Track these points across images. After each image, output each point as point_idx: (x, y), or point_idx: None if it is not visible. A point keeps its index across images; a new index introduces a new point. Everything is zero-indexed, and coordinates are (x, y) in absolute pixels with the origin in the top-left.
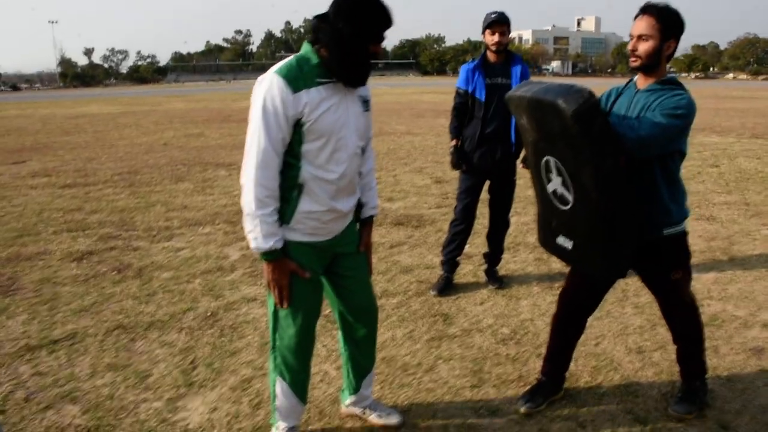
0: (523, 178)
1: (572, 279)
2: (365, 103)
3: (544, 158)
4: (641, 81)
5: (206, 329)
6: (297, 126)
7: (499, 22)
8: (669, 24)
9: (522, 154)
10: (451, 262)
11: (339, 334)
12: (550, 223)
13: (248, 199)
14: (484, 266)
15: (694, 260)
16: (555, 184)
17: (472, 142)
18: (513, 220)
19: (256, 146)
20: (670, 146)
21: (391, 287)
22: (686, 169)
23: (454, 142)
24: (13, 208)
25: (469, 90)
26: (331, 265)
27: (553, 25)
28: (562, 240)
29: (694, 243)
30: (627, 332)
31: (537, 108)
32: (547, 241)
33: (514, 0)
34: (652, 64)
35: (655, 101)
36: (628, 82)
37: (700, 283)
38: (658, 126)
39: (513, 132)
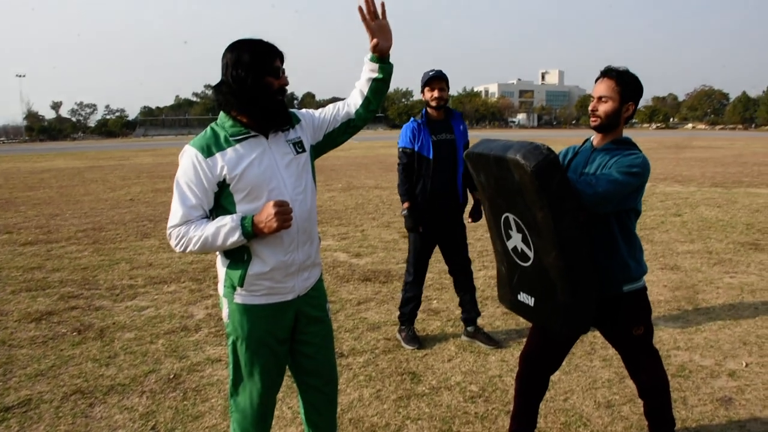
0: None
1: (534, 337)
2: (297, 145)
3: (504, 215)
4: (598, 140)
5: (169, 392)
6: (223, 188)
7: (437, 78)
8: (628, 87)
9: (469, 207)
10: (411, 319)
11: (299, 401)
12: (511, 279)
13: (180, 242)
14: (459, 325)
15: (659, 310)
16: (515, 241)
17: (422, 201)
18: (480, 274)
19: (174, 211)
20: (625, 203)
21: (358, 345)
22: (650, 219)
23: (407, 205)
24: None
25: (416, 148)
26: (295, 329)
27: (519, 79)
28: (523, 297)
29: (659, 292)
30: (596, 386)
31: (497, 165)
32: (508, 297)
33: (480, 55)
34: (611, 124)
35: (610, 160)
36: (585, 142)
37: (667, 333)
38: (615, 183)
39: (460, 185)
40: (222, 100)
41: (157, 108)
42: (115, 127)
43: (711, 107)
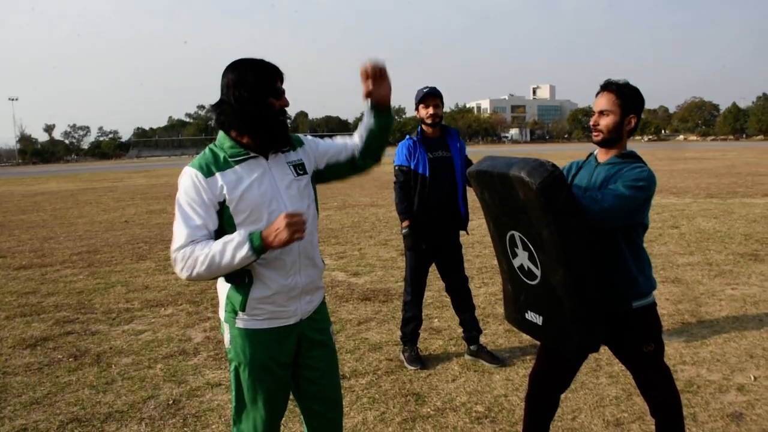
0: (489, 247)
1: (542, 356)
2: (298, 167)
3: (509, 233)
4: (601, 155)
5: (168, 419)
6: (223, 209)
7: (432, 95)
8: (629, 100)
9: (472, 224)
10: (413, 339)
11: (303, 427)
12: (518, 298)
13: (186, 264)
14: (462, 343)
15: (663, 324)
16: (521, 259)
17: (419, 219)
18: (481, 291)
19: (178, 233)
20: (632, 218)
21: (360, 366)
22: (648, 231)
23: (406, 223)
24: None
25: (411, 166)
26: (298, 354)
27: (510, 94)
28: (531, 316)
29: (662, 306)
30: (603, 404)
31: (501, 183)
32: (515, 316)
33: (472, 71)
34: (613, 138)
35: (616, 174)
36: (588, 156)
37: (672, 348)
38: (621, 198)
39: (461, 203)
40: (223, 120)
41: (151, 129)
42: (109, 148)
43: (702, 118)
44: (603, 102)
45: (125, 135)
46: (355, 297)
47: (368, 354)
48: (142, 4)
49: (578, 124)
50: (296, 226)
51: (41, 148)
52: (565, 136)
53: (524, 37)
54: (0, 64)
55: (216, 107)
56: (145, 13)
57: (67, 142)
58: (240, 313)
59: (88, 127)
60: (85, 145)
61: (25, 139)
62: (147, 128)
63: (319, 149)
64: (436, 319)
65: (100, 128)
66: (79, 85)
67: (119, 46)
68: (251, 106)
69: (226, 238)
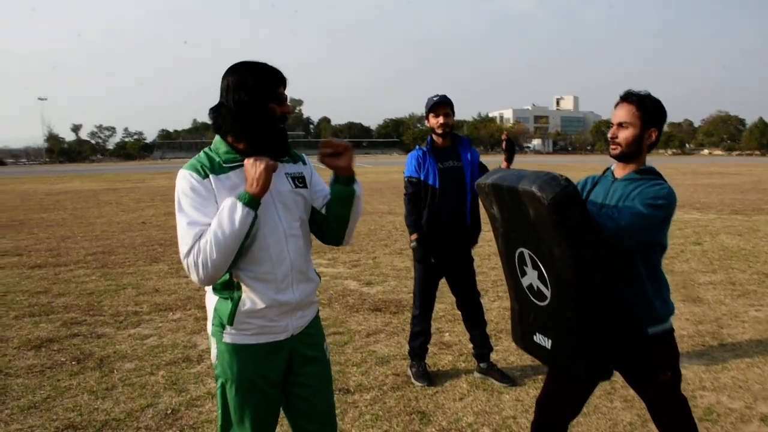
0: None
1: (551, 381)
2: (297, 179)
3: (518, 250)
4: (619, 170)
5: (165, 429)
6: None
7: (442, 104)
8: (650, 112)
9: (482, 236)
10: (421, 354)
11: None
12: (526, 319)
13: (199, 262)
14: (472, 360)
15: (682, 345)
16: (530, 278)
17: (429, 231)
18: (494, 305)
19: (183, 235)
20: (650, 237)
21: (365, 380)
22: (669, 248)
23: (415, 236)
24: None
25: (421, 177)
26: (289, 370)
27: (533, 104)
28: (539, 338)
29: (682, 326)
30: (617, 430)
31: (510, 197)
32: (523, 338)
33: (495, 81)
34: (632, 152)
35: (634, 191)
36: (605, 171)
37: (691, 372)
38: (639, 216)
39: (468, 215)
40: (220, 123)
41: (175, 131)
42: (133, 149)
43: (727, 133)
44: (622, 114)
45: (150, 136)
46: (365, 307)
47: (375, 368)
48: (171, 4)
49: (601, 135)
50: (263, 161)
51: (68, 148)
52: (588, 147)
53: (548, 47)
54: (30, 66)
55: (214, 110)
56: (173, 15)
57: (93, 142)
58: (228, 327)
59: (114, 128)
60: (110, 146)
61: (52, 138)
62: (171, 130)
63: (314, 177)
64: (447, 334)
65: (126, 129)
66: (105, 87)
67: (145, 48)
68: (250, 111)
69: (217, 213)
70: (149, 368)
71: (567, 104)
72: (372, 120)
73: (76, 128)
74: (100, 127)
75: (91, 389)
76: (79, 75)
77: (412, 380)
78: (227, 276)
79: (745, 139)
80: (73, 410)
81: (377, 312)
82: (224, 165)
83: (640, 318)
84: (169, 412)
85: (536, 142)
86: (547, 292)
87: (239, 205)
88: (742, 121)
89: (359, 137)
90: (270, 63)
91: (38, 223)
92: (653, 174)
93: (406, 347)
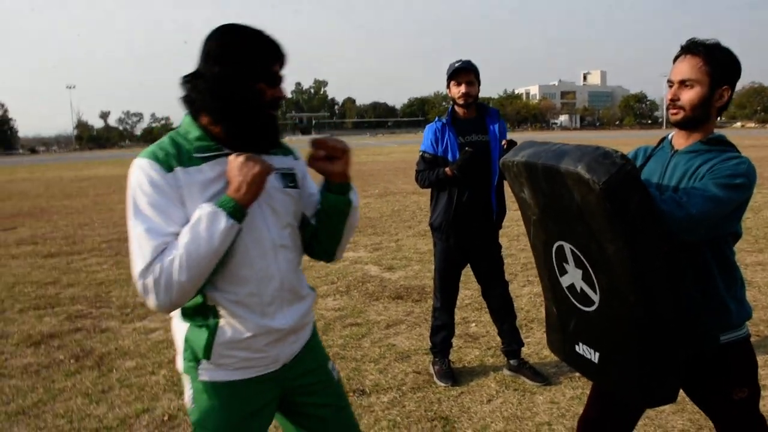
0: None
1: (595, 401)
2: (288, 177)
3: (557, 243)
4: (680, 139)
5: None
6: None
7: (464, 70)
8: (720, 66)
9: (506, 221)
10: (444, 350)
11: None
12: (567, 325)
13: (160, 283)
14: (501, 354)
15: None
16: (572, 278)
17: (447, 216)
18: (525, 291)
19: (139, 248)
20: (725, 226)
21: (383, 379)
22: None
23: (448, 170)
24: None
25: (439, 153)
26: (293, 402)
27: (560, 80)
28: (583, 349)
29: None
30: None
31: (547, 179)
32: (561, 347)
33: (520, 57)
34: (698, 118)
35: (702, 166)
36: (662, 141)
37: None
38: (714, 201)
39: (494, 196)
40: (194, 98)
41: None
42: (160, 134)
43: (761, 105)
44: (686, 69)
45: (176, 122)
46: (386, 295)
47: (394, 364)
48: None
49: (630, 110)
50: (257, 162)
51: (96, 135)
52: (617, 122)
53: (574, 21)
54: (61, 55)
55: (188, 81)
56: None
57: (121, 128)
58: (203, 362)
59: (141, 114)
60: (138, 131)
61: (81, 126)
62: None
63: (306, 176)
64: (474, 324)
65: (153, 115)
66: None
67: (172, 36)
68: (232, 89)
69: (191, 223)
70: (150, 367)
71: (594, 79)
72: (397, 99)
73: (104, 115)
74: (127, 113)
75: (86, 392)
76: (108, 62)
77: (435, 379)
78: (200, 299)
79: None
80: (64, 416)
81: (398, 300)
82: (195, 156)
83: (711, 325)
84: (165, 418)
85: (563, 118)
86: (595, 297)
87: (222, 216)
88: None
89: (384, 117)
90: (274, 38)
91: (58, 210)
92: (725, 144)
93: (428, 341)
